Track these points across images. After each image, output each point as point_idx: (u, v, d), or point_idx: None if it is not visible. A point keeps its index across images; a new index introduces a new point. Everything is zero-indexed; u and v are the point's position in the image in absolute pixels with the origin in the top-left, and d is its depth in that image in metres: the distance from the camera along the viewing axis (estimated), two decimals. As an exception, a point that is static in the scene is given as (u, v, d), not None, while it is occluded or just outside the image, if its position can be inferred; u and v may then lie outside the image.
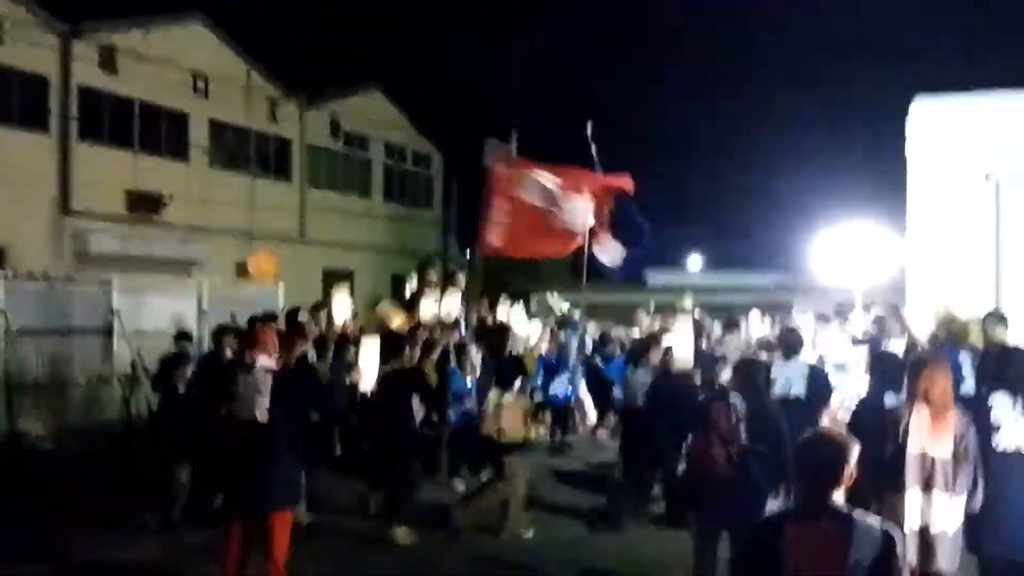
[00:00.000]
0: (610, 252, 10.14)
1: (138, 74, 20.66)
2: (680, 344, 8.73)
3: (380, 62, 30.11)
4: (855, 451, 3.61)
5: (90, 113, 20.13)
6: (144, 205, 21.03)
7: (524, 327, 12.86)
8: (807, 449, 3.67)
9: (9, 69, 18.37)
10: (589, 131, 10.36)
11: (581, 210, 9.81)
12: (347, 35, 30.72)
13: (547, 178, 9.84)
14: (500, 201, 9.84)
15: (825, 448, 3.61)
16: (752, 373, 6.97)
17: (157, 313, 14.58)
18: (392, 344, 9.11)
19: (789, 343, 8.83)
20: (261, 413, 6.56)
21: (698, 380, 8.31)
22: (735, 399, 6.58)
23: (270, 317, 11.74)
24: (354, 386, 8.94)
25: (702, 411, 6.74)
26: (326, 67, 27.71)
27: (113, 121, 20.75)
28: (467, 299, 12.22)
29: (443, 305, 11.16)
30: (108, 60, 20.28)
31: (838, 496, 3.56)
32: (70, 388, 13.63)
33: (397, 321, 10.81)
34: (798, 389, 8.31)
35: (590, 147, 10.46)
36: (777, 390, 8.09)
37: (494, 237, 9.87)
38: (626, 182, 10.20)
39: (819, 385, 8.50)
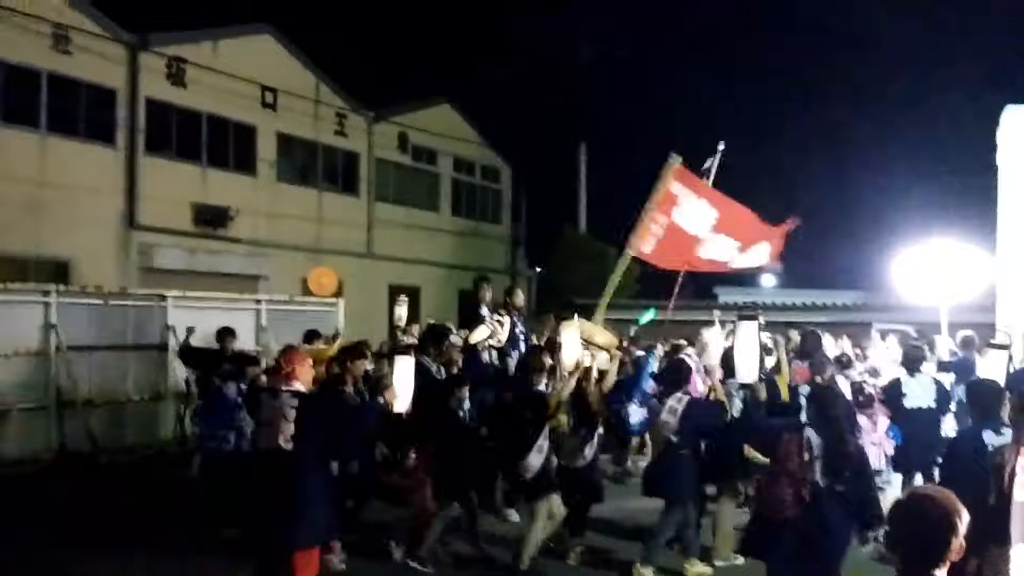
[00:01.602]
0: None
1: (206, 87, 20.58)
2: (745, 355, 8.03)
3: (449, 75, 29.76)
4: (965, 519, 2.97)
5: (157, 126, 20.02)
6: (210, 219, 20.90)
7: (575, 349, 11.87)
8: (906, 516, 3.02)
9: (76, 81, 18.33)
10: (720, 151, 10.65)
11: (726, 248, 10.24)
12: (416, 47, 30.46)
13: (706, 209, 10.03)
14: (658, 215, 9.99)
15: (928, 515, 2.96)
16: (827, 402, 6.25)
17: (214, 329, 14.28)
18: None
19: (913, 358, 9.77)
20: (286, 440, 6.09)
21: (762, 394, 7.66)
22: (809, 433, 5.92)
23: (313, 335, 11.49)
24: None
25: (769, 445, 6.10)
26: (395, 80, 27.46)
27: (180, 134, 20.64)
28: (524, 316, 11.67)
29: (485, 329, 10.55)
30: (176, 73, 20.22)
31: (942, 573, 2.94)
32: (123, 405, 13.39)
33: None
34: (927, 400, 9.39)
35: (711, 168, 10.61)
36: (908, 404, 9.31)
37: (644, 244, 10.00)
38: (776, 239, 10.51)
39: (943, 397, 9.48)
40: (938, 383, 9.63)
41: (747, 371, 8.02)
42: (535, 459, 8.07)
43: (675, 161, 9.94)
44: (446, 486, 8.42)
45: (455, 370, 9.88)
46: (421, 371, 9.62)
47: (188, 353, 12.39)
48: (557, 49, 30.39)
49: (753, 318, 8.06)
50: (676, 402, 8.18)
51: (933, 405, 9.41)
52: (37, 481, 11.58)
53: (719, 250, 10.25)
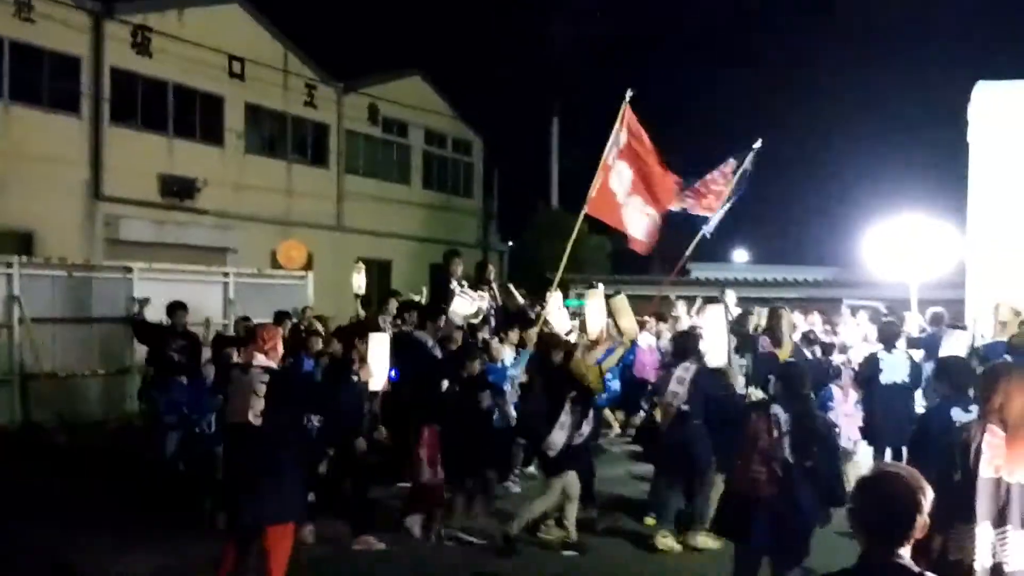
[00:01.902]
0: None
1: (172, 56, 20.25)
2: (714, 338, 7.95)
3: (420, 46, 29.44)
4: (929, 496, 2.91)
5: (123, 96, 19.68)
6: (177, 190, 20.59)
7: (562, 320, 11.95)
8: (869, 493, 2.96)
9: (39, 49, 17.98)
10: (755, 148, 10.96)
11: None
12: (387, 18, 30.11)
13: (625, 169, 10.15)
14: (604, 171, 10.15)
15: (892, 493, 2.90)
16: (795, 379, 6.20)
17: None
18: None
19: (889, 334, 10.02)
20: (255, 415, 5.99)
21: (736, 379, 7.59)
22: (776, 409, 5.86)
23: (283, 316, 11.40)
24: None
25: (740, 423, 6.04)
26: (365, 51, 27.14)
27: (146, 104, 20.31)
28: (496, 290, 11.64)
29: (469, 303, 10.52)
30: (142, 41, 19.86)
31: (906, 552, 2.89)
32: (88, 379, 13.19)
33: None
34: (902, 376, 9.58)
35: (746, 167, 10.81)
36: (883, 379, 9.51)
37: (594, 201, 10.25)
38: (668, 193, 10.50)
39: (916, 373, 9.65)
40: (911, 359, 9.82)
41: (716, 355, 7.97)
42: (558, 436, 8.04)
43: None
44: (458, 462, 8.41)
45: (454, 346, 9.82)
46: (416, 346, 9.60)
47: (139, 327, 11.88)
48: (530, 21, 30.20)
49: (718, 301, 8.02)
50: (684, 371, 8.13)
51: (907, 380, 9.61)
52: (-1, 454, 11.41)
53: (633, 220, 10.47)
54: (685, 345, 8.50)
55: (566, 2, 30.29)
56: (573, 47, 30.75)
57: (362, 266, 12.31)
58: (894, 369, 9.64)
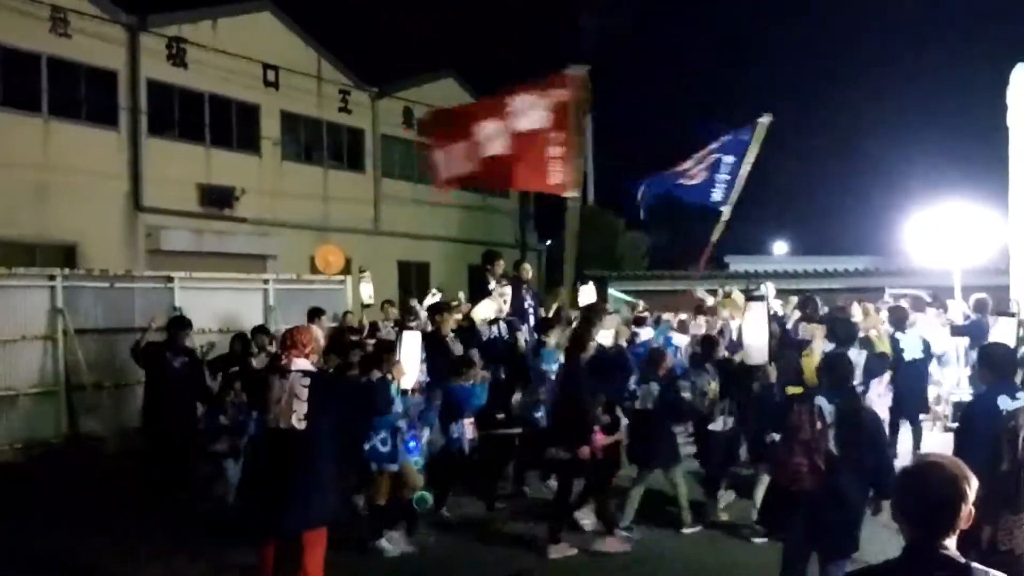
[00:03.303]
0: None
1: (207, 66, 20.46)
2: (755, 336, 7.84)
3: (453, 48, 29.46)
4: (974, 485, 2.83)
5: (160, 107, 19.93)
6: (216, 199, 20.81)
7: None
8: (913, 483, 2.87)
9: (77, 64, 18.24)
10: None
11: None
12: (419, 21, 30.18)
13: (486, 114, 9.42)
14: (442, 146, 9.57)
15: (937, 482, 2.80)
16: (840, 370, 6.10)
17: (222, 310, 14.22)
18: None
19: (900, 318, 10.82)
20: (299, 419, 6.01)
21: (773, 376, 7.46)
22: (820, 401, 5.77)
23: (317, 312, 11.41)
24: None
25: (782, 415, 5.95)
26: (398, 55, 27.23)
27: (183, 115, 20.55)
28: (534, 290, 11.59)
29: (491, 304, 10.48)
30: (176, 53, 20.09)
31: (952, 543, 2.82)
32: (132, 389, 13.30)
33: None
34: (917, 353, 10.54)
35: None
36: (906, 356, 10.40)
37: (442, 175, 9.60)
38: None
39: (927, 348, 10.74)
40: (923, 339, 10.79)
41: (758, 353, 7.87)
42: None
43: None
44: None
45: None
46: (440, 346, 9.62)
47: (138, 354, 10.84)
48: (563, 20, 30.14)
49: (761, 299, 7.90)
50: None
51: (922, 356, 10.65)
52: (46, 465, 11.54)
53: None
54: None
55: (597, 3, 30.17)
56: (606, 44, 30.67)
57: (369, 275, 12.40)
58: (910, 348, 10.55)
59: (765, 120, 11.08)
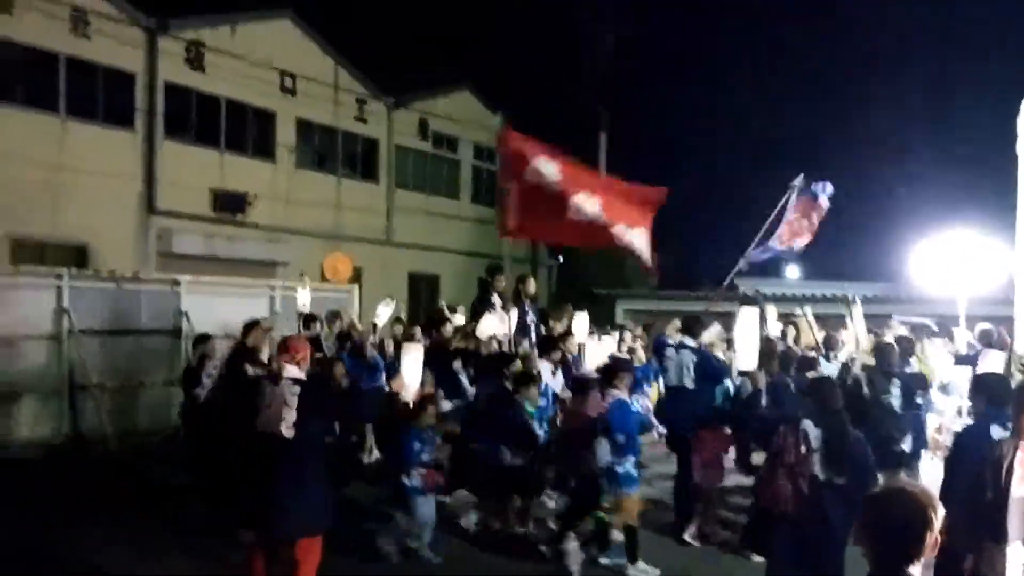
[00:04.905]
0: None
1: (225, 72, 20.52)
2: (745, 342, 7.87)
3: (470, 61, 29.49)
4: (940, 513, 2.81)
5: (176, 111, 19.99)
6: (229, 205, 20.86)
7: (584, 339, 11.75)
8: (879, 509, 2.86)
9: (95, 65, 18.31)
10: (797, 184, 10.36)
11: (590, 207, 9.10)
12: (437, 33, 30.26)
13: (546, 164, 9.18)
14: (510, 183, 9.27)
15: (903, 509, 2.80)
16: (827, 394, 6.07)
17: (228, 315, 14.22)
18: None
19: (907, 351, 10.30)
20: (287, 426, 6.00)
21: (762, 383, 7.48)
22: (807, 425, 5.73)
23: (311, 319, 11.50)
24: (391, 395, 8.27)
25: (767, 438, 5.92)
26: (415, 66, 27.24)
27: (199, 119, 20.61)
28: (536, 305, 11.56)
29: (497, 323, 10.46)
30: (195, 57, 20.17)
31: (916, 570, 2.79)
32: (136, 390, 13.34)
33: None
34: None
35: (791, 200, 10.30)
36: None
37: (510, 221, 9.22)
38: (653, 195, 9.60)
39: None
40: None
41: (747, 358, 7.88)
42: None
43: (496, 123, 9.87)
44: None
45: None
46: None
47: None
48: (578, 35, 30.18)
49: (754, 302, 7.92)
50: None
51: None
52: (48, 465, 11.57)
53: (586, 210, 9.10)
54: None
55: (614, 16, 30.20)
56: (621, 61, 30.70)
57: (307, 280, 12.50)
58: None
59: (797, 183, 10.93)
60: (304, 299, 12.50)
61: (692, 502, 8.74)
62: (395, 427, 8.36)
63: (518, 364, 9.40)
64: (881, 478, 8.80)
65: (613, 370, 8.21)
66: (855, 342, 9.72)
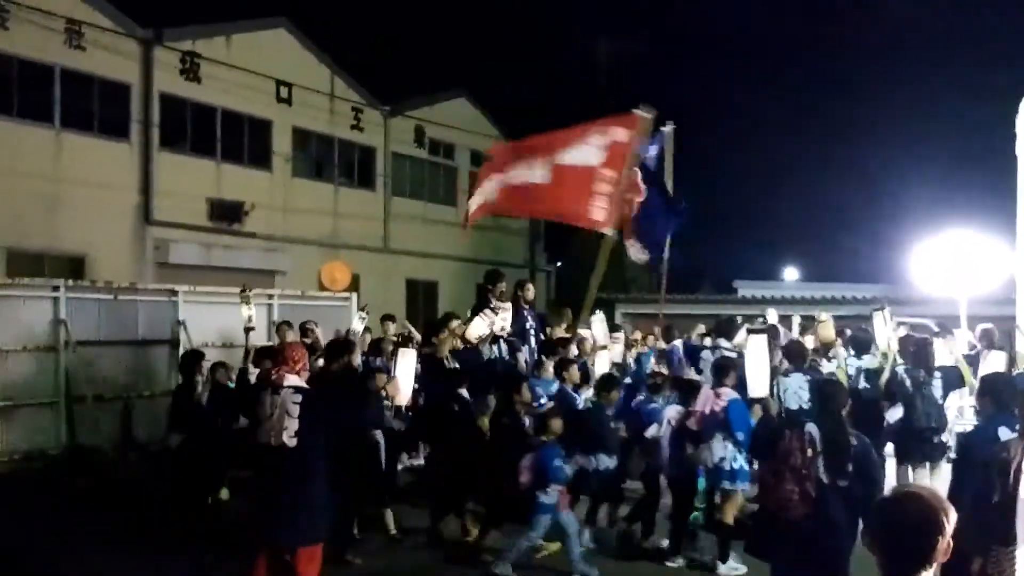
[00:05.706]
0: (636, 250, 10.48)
1: (221, 81, 20.54)
2: (755, 368, 7.79)
3: (466, 68, 29.53)
4: (952, 518, 2.77)
5: (172, 121, 20.00)
6: (226, 214, 20.85)
7: (604, 341, 11.82)
8: (889, 514, 2.80)
9: (90, 77, 18.32)
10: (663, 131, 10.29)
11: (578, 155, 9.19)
12: (432, 40, 30.31)
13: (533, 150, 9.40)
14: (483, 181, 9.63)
15: (913, 514, 2.72)
16: (829, 396, 6.01)
17: (225, 324, 14.19)
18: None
19: (861, 342, 10.08)
20: (290, 436, 5.97)
21: (773, 409, 7.43)
22: (811, 427, 5.68)
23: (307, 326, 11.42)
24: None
25: (771, 441, 5.86)
26: (411, 73, 27.30)
27: (195, 129, 20.62)
28: (535, 310, 11.54)
29: (482, 324, 10.40)
30: (190, 68, 20.17)
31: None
32: (132, 401, 13.29)
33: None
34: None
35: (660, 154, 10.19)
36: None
37: (472, 208, 9.68)
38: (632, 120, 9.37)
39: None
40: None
41: (758, 385, 7.84)
42: None
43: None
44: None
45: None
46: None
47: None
48: (575, 42, 30.23)
49: (762, 331, 7.87)
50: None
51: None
52: (46, 476, 11.53)
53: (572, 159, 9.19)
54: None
55: (610, 22, 30.27)
56: (618, 65, 30.76)
57: (249, 295, 11.95)
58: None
59: (668, 129, 10.97)
60: (249, 312, 12.04)
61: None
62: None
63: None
64: (928, 471, 8.91)
65: (725, 368, 8.26)
66: (887, 343, 9.69)
